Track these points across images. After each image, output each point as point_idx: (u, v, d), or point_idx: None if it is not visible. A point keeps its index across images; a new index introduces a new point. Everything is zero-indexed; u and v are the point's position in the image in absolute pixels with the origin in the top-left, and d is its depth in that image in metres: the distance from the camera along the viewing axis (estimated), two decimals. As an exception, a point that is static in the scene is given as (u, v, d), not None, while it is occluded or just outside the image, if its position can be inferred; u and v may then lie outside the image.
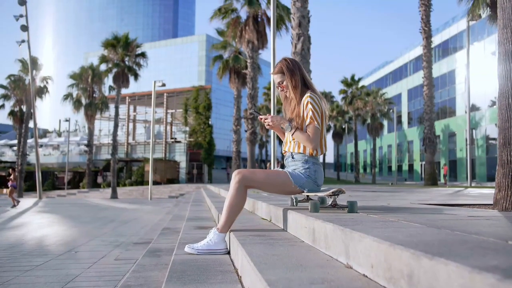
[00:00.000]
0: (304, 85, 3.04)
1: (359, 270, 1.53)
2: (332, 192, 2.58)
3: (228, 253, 2.78)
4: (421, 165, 48.21)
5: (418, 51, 48.17)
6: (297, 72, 3.03)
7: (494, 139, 36.19)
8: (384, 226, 1.84)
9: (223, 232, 2.82)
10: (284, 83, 3.05)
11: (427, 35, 22.01)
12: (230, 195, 2.84)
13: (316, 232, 2.10)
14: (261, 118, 3.05)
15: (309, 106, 2.89)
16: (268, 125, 3.02)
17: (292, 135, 2.94)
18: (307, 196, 3.19)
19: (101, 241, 6.05)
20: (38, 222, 9.62)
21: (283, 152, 3.13)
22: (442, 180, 36.18)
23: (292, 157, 2.98)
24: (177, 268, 2.35)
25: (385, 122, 51.95)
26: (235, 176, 2.85)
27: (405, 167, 53.38)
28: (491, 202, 4.15)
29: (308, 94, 2.94)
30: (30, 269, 3.92)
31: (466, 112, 38.72)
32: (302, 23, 11.81)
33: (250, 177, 2.84)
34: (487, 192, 9.15)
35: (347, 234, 1.67)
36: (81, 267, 3.99)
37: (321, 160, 3.21)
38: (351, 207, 2.60)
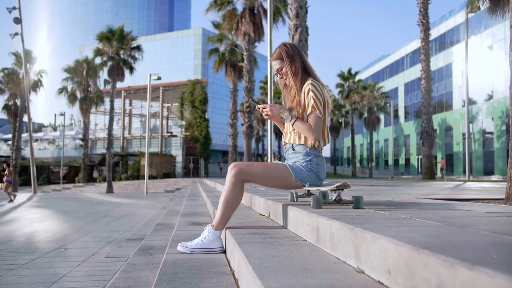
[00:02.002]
0: (304, 71, 2.84)
1: (373, 275, 1.34)
2: (336, 187, 2.39)
3: (224, 252, 2.59)
4: (418, 159, 48.17)
5: (415, 44, 47.97)
6: (297, 58, 2.83)
7: (490, 133, 36.15)
8: (398, 224, 1.65)
9: (218, 230, 2.63)
10: (283, 69, 2.85)
11: (425, 27, 21.80)
12: (226, 190, 2.65)
13: (321, 231, 1.91)
14: (259, 108, 2.85)
15: (311, 94, 2.70)
16: (267, 114, 2.82)
17: (292, 125, 2.74)
18: (308, 190, 3.00)
19: (92, 237, 5.85)
20: (30, 217, 9.41)
21: (283, 143, 2.94)
22: (439, 174, 36.15)
23: (293, 149, 2.79)
24: (168, 269, 2.16)
25: (382, 116, 51.80)
26: (231, 169, 2.65)
27: (401, 161, 53.31)
28: (499, 197, 3.98)
29: (309, 81, 2.74)
30: (15, 268, 3.72)
31: (463, 106, 38.70)
32: (300, 13, 11.57)
33: (247, 170, 2.64)
34: (488, 186, 9.00)
35: (357, 234, 1.48)
36: (69, 266, 3.79)
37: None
38: (357, 203, 2.41)
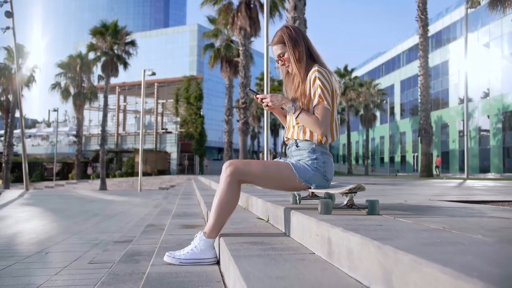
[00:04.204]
0: (310, 57, 2.49)
1: (415, 313, 1.01)
2: (349, 190, 2.04)
3: (218, 262, 2.26)
4: (414, 156, 48.03)
5: (411, 42, 47.77)
6: (301, 42, 2.48)
7: (486, 130, 36.02)
8: (436, 240, 1.32)
9: (211, 238, 2.29)
10: (285, 55, 2.50)
11: (424, 23, 21.47)
12: (220, 192, 2.31)
13: (334, 244, 1.58)
14: (258, 98, 2.50)
15: (317, 82, 2.35)
16: (267, 105, 2.48)
17: (296, 118, 2.40)
18: (312, 193, 2.67)
19: (79, 239, 5.50)
20: (17, 216, 9.04)
21: (285, 139, 2.59)
22: (435, 172, 35.98)
23: (296, 146, 2.44)
24: (151, 287, 1.82)
25: (378, 113, 51.58)
26: (226, 168, 2.31)
27: (397, 158, 53.16)
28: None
29: (315, 68, 2.40)
30: (-13, 276, 3.37)
31: (459, 104, 38.49)
32: (298, 5, 11.21)
33: (244, 169, 2.30)
34: (492, 185, 8.75)
35: (389, 255, 1.14)
36: (47, 274, 3.44)
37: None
38: (372, 208, 2.07)
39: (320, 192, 2.32)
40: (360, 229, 1.51)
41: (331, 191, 2.17)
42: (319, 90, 2.33)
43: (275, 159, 2.55)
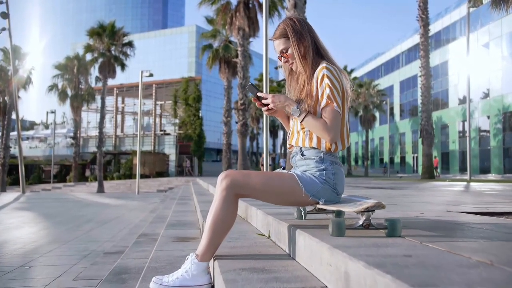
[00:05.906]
0: (316, 53, 2.18)
1: None
2: (366, 208, 1.73)
3: (212, 288, 1.95)
4: (413, 157, 47.78)
5: (410, 42, 47.57)
6: (307, 35, 2.17)
7: (486, 131, 35.77)
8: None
9: (204, 261, 1.98)
10: (289, 51, 2.19)
11: (425, 23, 21.19)
12: (214, 208, 2.00)
13: (353, 281, 1.27)
14: (258, 99, 2.18)
15: (326, 81, 2.04)
16: (268, 109, 2.17)
17: (302, 122, 2.09)
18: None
19: (67, 249, 5.18)
20: (8, 222, 8.70)
21: (288, 146, 2.28)
22: (436, 174, 35.72)
23: (302, 154, 2.13)
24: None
25: (377, 114, 51.37)
26: (221, 180, 2.00)
27: (397, 159, 52.91)
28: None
29: (323, 65, 2.08)
30: (-40, 296, 3.06)
31: (459, 104, 38.22)
32: (298, 4, 10.90)
33: (242, 181, 1.99)
34: (500, 188, 8.45)
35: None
36: (25, 294, 3.13)
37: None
38: (392, 229, 1.75)
39: (331, 208, 2.00)
40: (387, 264, 1.20)
41: (343, 208, 1.85)
42: (327, 90, 2.02)
43: (277, 170, 2.25)
